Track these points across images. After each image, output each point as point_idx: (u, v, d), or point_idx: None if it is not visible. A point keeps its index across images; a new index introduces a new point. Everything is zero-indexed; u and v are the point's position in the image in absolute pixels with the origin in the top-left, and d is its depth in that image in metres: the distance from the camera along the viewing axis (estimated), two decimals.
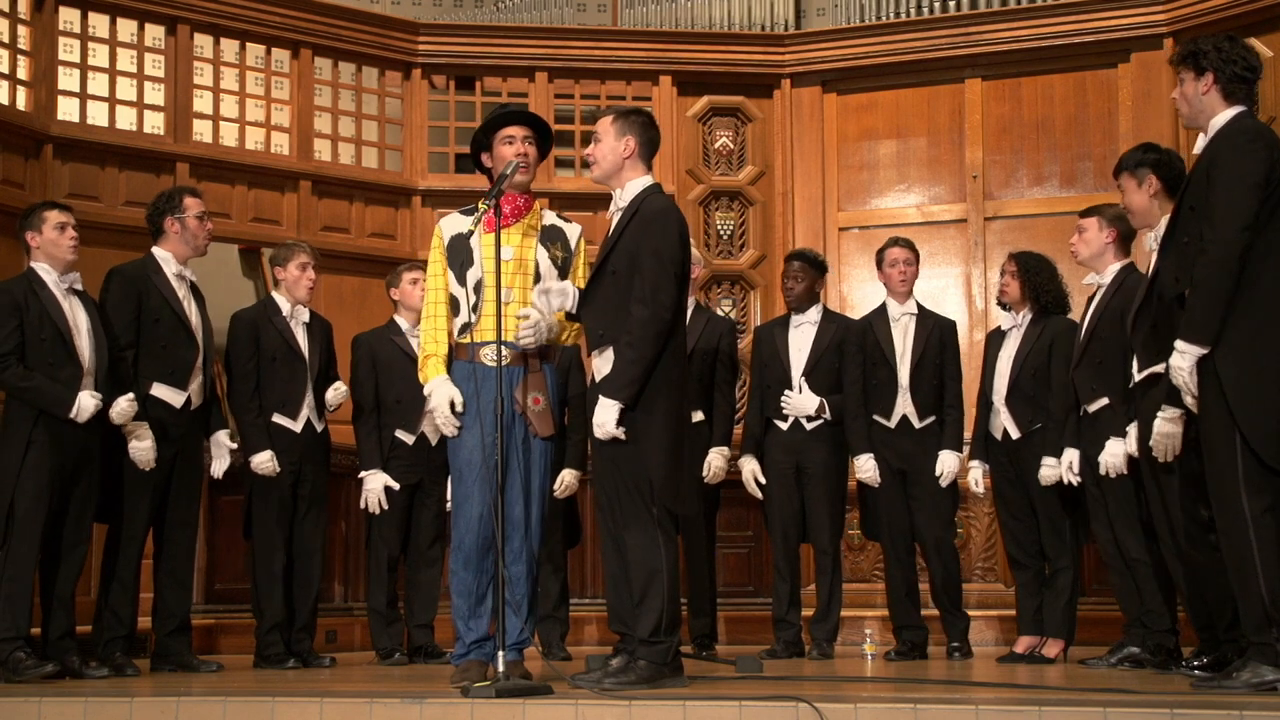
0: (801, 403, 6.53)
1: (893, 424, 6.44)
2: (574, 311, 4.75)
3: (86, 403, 5.32)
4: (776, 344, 6.67)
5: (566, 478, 6.49)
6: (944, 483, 6.37)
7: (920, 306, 6.60)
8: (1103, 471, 5.54)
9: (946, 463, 6.36)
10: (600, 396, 4.54)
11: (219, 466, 6.01)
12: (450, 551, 4.88)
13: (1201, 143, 4.47)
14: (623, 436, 4.50)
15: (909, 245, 6.65)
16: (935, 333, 6.50)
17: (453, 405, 4.73)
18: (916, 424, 6.40)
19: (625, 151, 4.72)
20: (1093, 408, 5.67)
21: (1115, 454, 5.48)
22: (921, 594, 6.57)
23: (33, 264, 5.49)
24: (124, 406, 5.48)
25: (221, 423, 6.02)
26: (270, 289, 6.52)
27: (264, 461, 6.04)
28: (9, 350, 5.30)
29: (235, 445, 6.08)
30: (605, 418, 4.50)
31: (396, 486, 6.42)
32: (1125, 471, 5.47)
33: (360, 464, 6.48)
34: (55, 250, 5.48)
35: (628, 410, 4.50)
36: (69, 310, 5.45)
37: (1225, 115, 4.42)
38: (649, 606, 4.52)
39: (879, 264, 6.66)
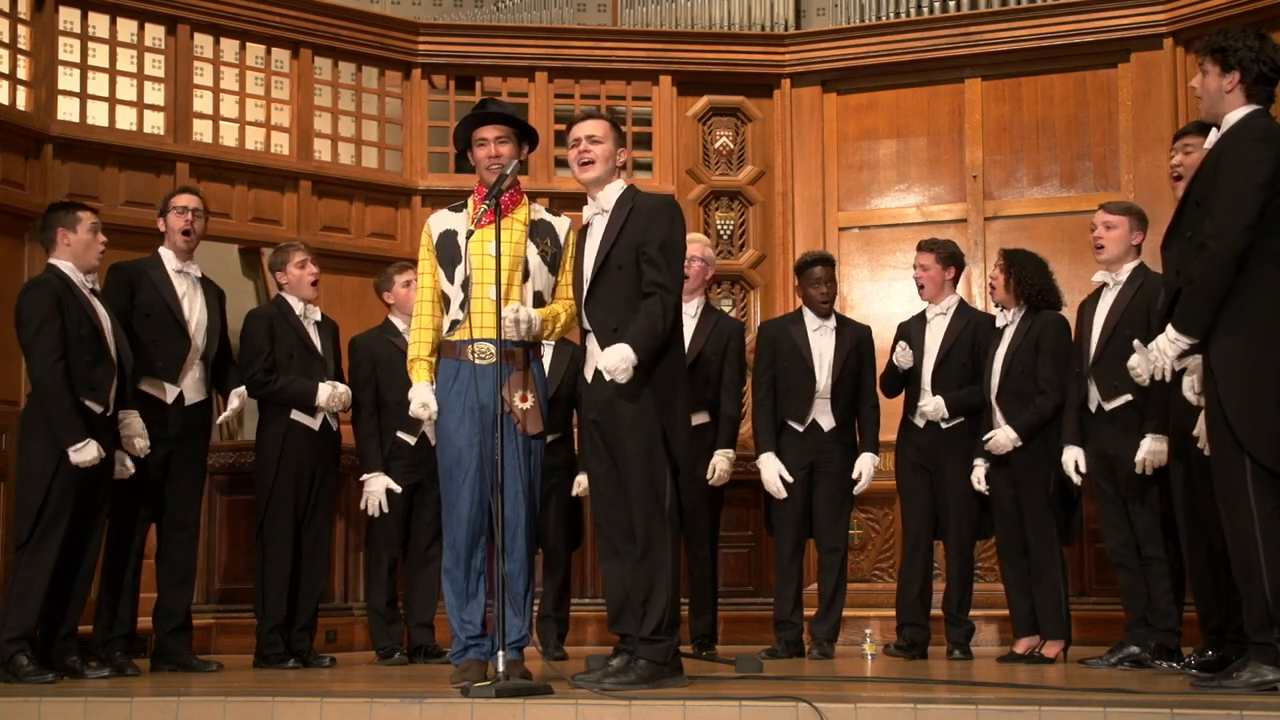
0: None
1: (921, 424, 6.44)
2: (535, 335, 4.81)
3: (89, 453, 5.24)
4: (798, 345, 6.55)
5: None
6: (980, 486, 6.27)
7: (961, 304, 6.53)
8: (1140, 470, 5.49)
9: (976, 469, 6.29)
10: (620, 344, 4.54)
11: (227, 415, 6.03)
12: (443, 550, 4.88)
13: (1214, 137, 4.46)
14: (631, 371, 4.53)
15: (930, 248, 6.55)
16: (968, 331, 6.40)
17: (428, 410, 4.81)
18: (943, 425, 6.36)
19: (620, 160, 4.87)
20: (1111, 405, 5.67)
21: (1156, 450, 5.41)
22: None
23: (56, 261, 5.47)
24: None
25: (237, 382, 6.03)
26: (273, 291, 6.51)
27: (338, 393, 6.18)
28: (60, 355, 5.25)
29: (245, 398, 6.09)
30: (620, 361, 4.52)
31: (399, 489, 6.40)
32: (1164, 465, 5.42)
33: (362, 466, 6.45)
34: (87, 253, 5.48)
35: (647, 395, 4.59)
36: (97, 308, 5.47)
37: (1240, 113, 4.38)
38: (653, 604, 4.54)
39: None
